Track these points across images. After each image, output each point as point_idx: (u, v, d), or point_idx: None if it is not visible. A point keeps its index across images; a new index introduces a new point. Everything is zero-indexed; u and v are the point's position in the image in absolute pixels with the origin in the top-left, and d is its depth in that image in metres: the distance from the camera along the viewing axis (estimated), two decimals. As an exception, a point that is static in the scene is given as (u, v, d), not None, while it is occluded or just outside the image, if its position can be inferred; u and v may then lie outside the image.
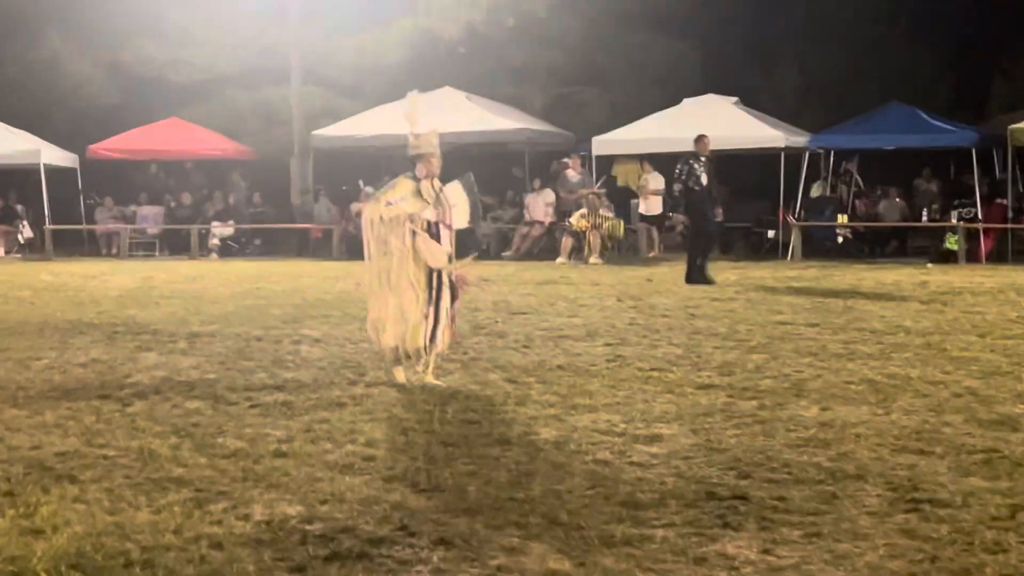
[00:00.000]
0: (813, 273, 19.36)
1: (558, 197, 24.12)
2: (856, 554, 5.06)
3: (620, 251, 23.66)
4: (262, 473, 6.50)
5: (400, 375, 9.17)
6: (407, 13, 29.82)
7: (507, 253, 23.93)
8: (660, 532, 5.37)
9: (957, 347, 10.86)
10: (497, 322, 13.07)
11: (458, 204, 9.36)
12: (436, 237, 9.12)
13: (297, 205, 27.86)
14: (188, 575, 4.94)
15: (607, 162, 25.55)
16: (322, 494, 6.05)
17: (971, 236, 22.04)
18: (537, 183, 24.78)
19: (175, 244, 26.93)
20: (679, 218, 18.11)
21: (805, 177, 24.32)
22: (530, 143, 25.32)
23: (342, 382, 9.40)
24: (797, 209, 23.74)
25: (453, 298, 9.31)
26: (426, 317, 9.05)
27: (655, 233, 24.54)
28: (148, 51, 29.79)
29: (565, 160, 25.03)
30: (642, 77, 31.66)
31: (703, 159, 17.85)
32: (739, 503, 5.83)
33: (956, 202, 23.55)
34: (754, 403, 8.33)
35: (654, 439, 7.23)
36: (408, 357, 9.20)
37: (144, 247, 26.99)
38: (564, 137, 26.99)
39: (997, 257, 21.94)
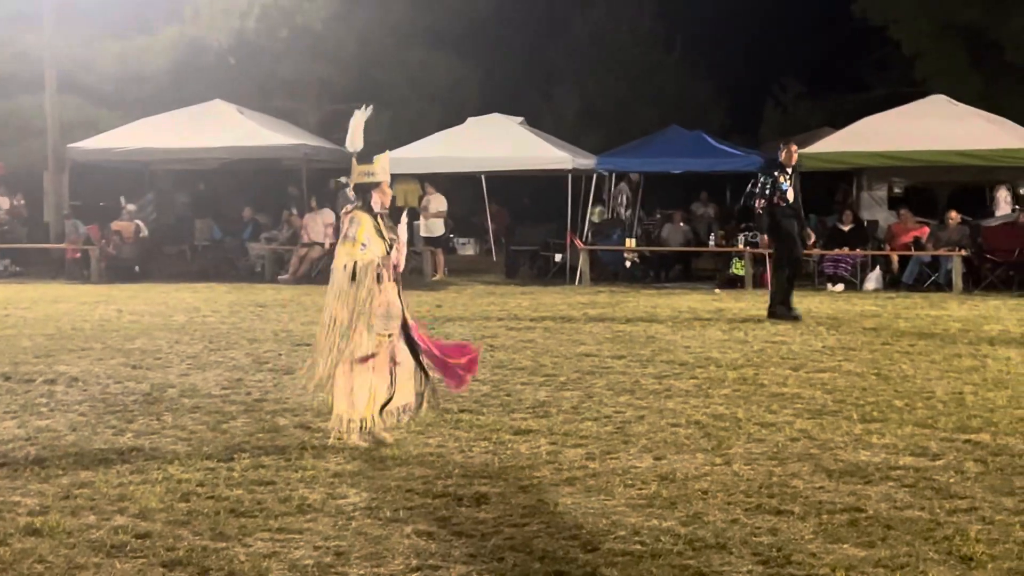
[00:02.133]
0: (605, 299, 18.84)
1: (337, 217, 23.09)
2: (750, 657, 4.27)
3: (404, 273, 22.72)
4: (9, 560, 5.35)
5: (385, 435, 7.77)
6: (173, 20, 28.44)
7: (284, 276, 22.71)
8: (511, 633, 4.48)
9: (774, 382, 10.39)
10: (280, 355, 12.04)
11: (404, 243, 8.16)
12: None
13: (52, 223, 25.97)
14: None
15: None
16: (86, 588, 4.95)
17: (757, 261, 21.90)
18: (314, 202, 23.70)
19: (-87, 265, 24.73)
20: (764, 240, 15.92)
21: (592, 199, 23.99)
22: (307, 160, 24.20)
23: (106, 432, 8.20)
24: (585, 232, 23.30)
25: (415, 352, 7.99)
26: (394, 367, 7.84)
27: (440, 256, 23.79)
28: None
29: (344, 179, 24.02)
30: (422, 95, 31.02)
31: (789, 170, 15.45)
32: (595, 587, 5.00)
33: (743, 226, 23.45)
34: (581, 451, 7.59)
35: (480, 500, 6.37)
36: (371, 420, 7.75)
37: None
38: (341, 154, 25.91)
39: (782, 283, 21.88)
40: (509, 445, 7.74)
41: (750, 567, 5.25)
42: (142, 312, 16.21)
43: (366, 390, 7.69)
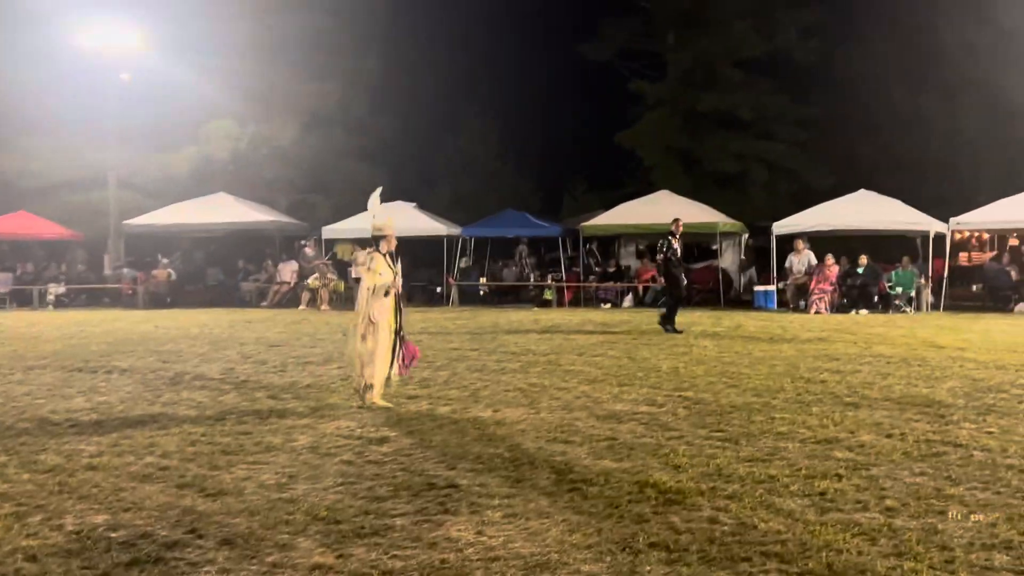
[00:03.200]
0: (467, 314, 18.76)
1: (300, 266, 22.61)
2: (544, 530, 4.26)
3: (341, 301, 22.34)
4: (75, 486, 5.07)
5: (380, 401, 7.54)
6: (192, 142, 27.65)
7: (264, 303, 22.10)
8: (399, 521, 4.40)
9: (568, 363, 10.38)
10: (259, 352, 11.67)
11: (399, 272, 7.95)
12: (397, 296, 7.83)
13: (113, 272, 24.89)
14: (0, 591, 3.56)
15: (332, 243, 24.20)
16: (125, 503, 4.74)
17: (559, 290, 22.08)
18: (284, 256, 23.16)
19: (21, 299, 23.29)
20: (662, 280, 14.72)
21: (459, 253, 23.85)
22: (279, 230, 23.66)
23: (143, 403, 7.84)
24: (455, 273, 23.18)
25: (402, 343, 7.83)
26: (393, 358, 7.65)
27: (364, 289, 23.39)
28: (2, 164, 26.22)
29: (304, 242, 23.55)
30: (352, 189, 30.46)
31: (678, 236, 14.53)
32: (453, 491, 4.94)
33: (550, 269, 23.62)
34: (448, 408, 7.48)
35: (383, 440, 6.24)
36: (383, 386, 7.66)
37: (-3, 301, 23.31)
38: (303, 226, 25.43)
39: (574, 303, 22.06)
40: (403, 405, 7.61)
41: (548, 475, 5.22)
42: (171, 327, 15.63)
43: (369, 368, 7.52)
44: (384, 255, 7.74)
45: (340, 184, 30.70)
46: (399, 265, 7.84)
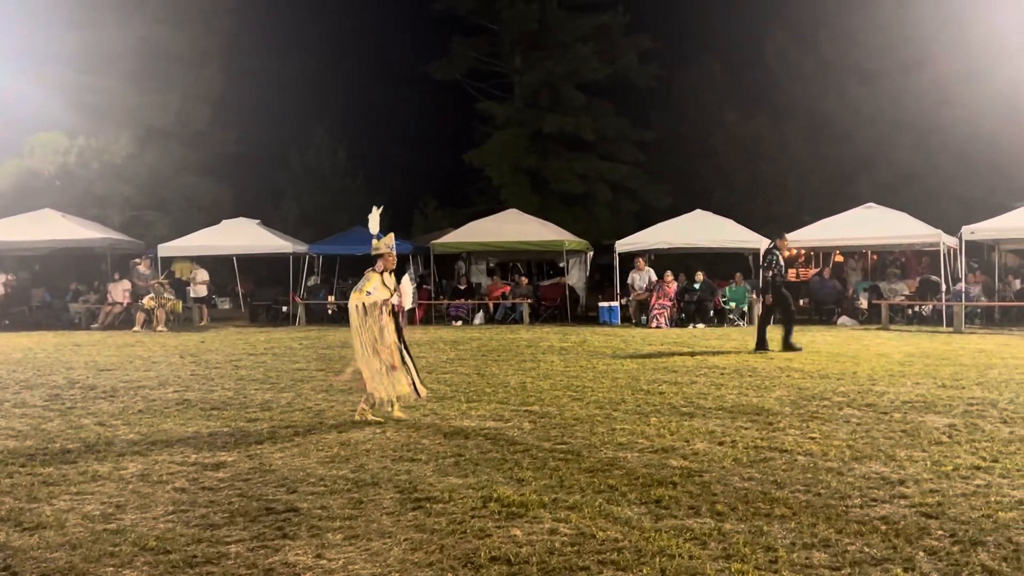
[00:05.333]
0: (315, 334, 18.35)
1: (134, 285, 21.50)
2: (386, 550, 4.22)
3: (179, 322, 21.39)
4: None
5: (371, 415, 7.70)
6: (15, 154, 25.86)
7: (95, 325, 20.86)
8: (234, 548, 4.24)
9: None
10: (88, 377, 10.99)
11: (407, 291, 7.83)
12: (396, 314, 7.82)
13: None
14: None
15: (169, 261, 23.19)
16: (-73, 544, 4.32)
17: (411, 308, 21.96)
18: (117, 275, 21.96)
19: None
20: (769, 299, 13.40)
21: (306, 272, 23.35)
22: (111, 247, 22.43)
23: (-46, 434, 7.22)
24: (302, 292, 22.67)
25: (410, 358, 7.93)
26: (395, 371, 7.68)
27: (204, 309, 22.51)
28: None
29: (138, 260, 22.41)
30: (191, 206, 29.33)
31: (784, 253, 13.65)
32: (292, 515, 4.81)
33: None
34: (290, 431, 7.28)
35: (220, 466, 6.00)
36: (393, 402, 7.73)
37: None
38: (137, 244, 24.22)
39: (426, 320, 22.01)
40: (242, 429, 7.35)
41: (392, 495, 5.19)
42: (-12, 352, 14.53)
43: (385, 384, 7.64)
44: (380, 273, 7.77)
45: (178, 200, 29.48)
46: (404, 285, 7.84)
